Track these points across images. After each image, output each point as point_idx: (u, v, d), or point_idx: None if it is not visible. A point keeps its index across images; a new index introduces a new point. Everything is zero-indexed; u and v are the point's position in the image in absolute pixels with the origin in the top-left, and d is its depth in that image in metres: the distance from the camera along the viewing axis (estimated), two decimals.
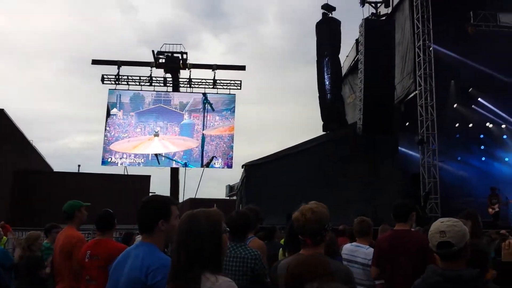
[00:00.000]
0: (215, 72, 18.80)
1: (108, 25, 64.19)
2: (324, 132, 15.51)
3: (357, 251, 4.26)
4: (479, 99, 17.12)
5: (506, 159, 18.99)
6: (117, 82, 18.53)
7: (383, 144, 14.27)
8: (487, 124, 18.63)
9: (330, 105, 14.63)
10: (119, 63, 18.51)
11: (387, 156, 14.38)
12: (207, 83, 18.97)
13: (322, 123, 15.28)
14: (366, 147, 14.36)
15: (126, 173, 19.10)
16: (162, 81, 18.81)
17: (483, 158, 19.02)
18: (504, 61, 14.50)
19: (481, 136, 19.00)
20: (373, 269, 3.95)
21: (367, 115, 13.44)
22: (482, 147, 19.13)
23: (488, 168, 18.45)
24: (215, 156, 18.25)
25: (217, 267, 1.66)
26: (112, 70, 18.67)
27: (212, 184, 46.34)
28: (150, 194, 16.97)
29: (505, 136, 18.97)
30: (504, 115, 17.88)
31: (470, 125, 18.17)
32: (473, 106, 17.51)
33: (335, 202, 13.13)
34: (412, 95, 13.81)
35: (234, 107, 18.76)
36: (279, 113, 67.87)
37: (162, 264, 1.91)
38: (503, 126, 18.75)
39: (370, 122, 13.45)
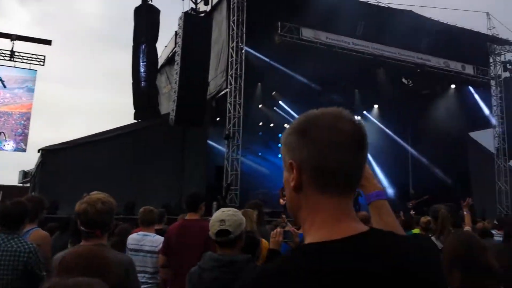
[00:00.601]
0: (13, 43, 16.31)
1: None
2: (136, 121, 15.12)
3: (144, 240, 4.31)
4: (280, 101, 19.16)
5: None
6: None
7: (194, 137, 14.69)
8: (285, 124, 21.03)
9: (144, 94, 14.34)
10: None
11: (196, 149, 14.86)
12: (3, 55, 16.35)
13: (134, 111, 14.87)
14: (176, 138, 14.56)
15: None
16: None
17: (280, 155, 21.36)
18: (303, 69, 16.56)
19: (279, 135, 21.23)
20: (161, 257, 4.05)
21: (181, 107, 13.61)
22: (280, 145, 21.46)
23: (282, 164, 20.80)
24: (2, 132, 15.73)
25: None
26: None
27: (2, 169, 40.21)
28: None
29: None
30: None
31: (272, 124, 20.20)
32: (275, 108, 19.51)
33: (141, 192, 13.07)
34: (223, 92, 14.58)
35: (33, 84, 16.59)
36: (89, 97, 63.06)
37: None
38: None
39: (182, 114, 13.65)
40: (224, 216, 2.56)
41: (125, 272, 2.37)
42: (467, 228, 5.68)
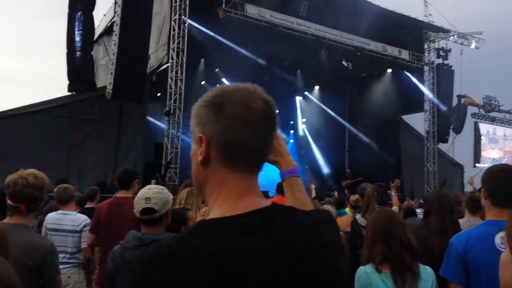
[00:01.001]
0: None
1: None
2: (70, 93, 14.29)
3: (64, 219, 4.12)
4: (223, 79, 18.96)
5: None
6: None
7: (132, 112, 14.17)
8: None
9: (79, 65, 13.49)
10: None
11: (134, 124, 14.37)
12: None
13: (68, 82, 14.01)
14: (114, 113, 13.98)
15: None
16: None
17: None
18: (247, 47, 16.44)
19: None
20: (89, 236, 3.90)
21: (118, 80, 13.02)
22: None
23: None
24: None
25: None
26: None
27: None
28: None
29: None
30: None
31: None
32: (218, 85, 19.28)
33: (74, 167, 12.52)
34: (164, 67, 14.15)
35: None
36: (20, 65, 58.87)
37: None
38: None
39: (120, 87, 13.07)
40: (150, 193, 2.51)
41: (42, 258, 2.23)
42: (394, 207, 5.99)
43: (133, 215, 2.52)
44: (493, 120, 23.76)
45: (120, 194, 3.93)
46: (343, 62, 20.43)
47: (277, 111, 1.04)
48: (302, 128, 23.46)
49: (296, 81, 21.31)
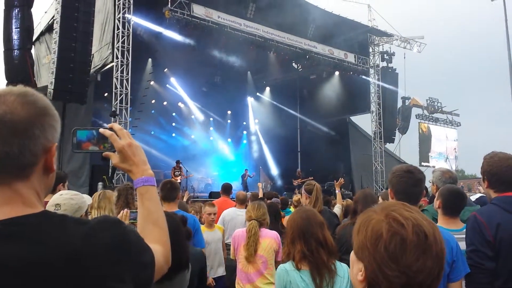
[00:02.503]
0: None
1: None
2: None
3: None
4: (171, 79, 18.80)
5: (193, 136, 21.73)
6: None
7: (76, 113, 13.77)
8: (179, 103, 20.78)
9: (17, 64, 12.97)
10: None
11: (79, 125, 13.84)
12: None
13: (6, 82, 13.44)
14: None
15: None
16: None
17: (174, 134, 21.11)
18: (196, 47, 16.37)
19: (174, 114, 21.02)
20: None
21: (60, 80, 12.60)
22: (174, 124, 21.20)
23: (176, 143, 20.59)
24: None
25: None
26: None
27: None
28: None
29: (193, 116, 21.66)
30: (192, 98, 20.40)
31: (165, 103, 19.79)
32: (167, 85, 19.10)
33: None
34: (109, 66, 13.84)
35: None
36: None
37: None
38: (192, 107, 21.37)
39: (62, 87, 12.67)
40: (61, 200, 2.43)
41: None
42: (338, 205, 6.18)
43: None
44: (436, 121, 24.85)
45: (47, 198, 3.82)
46: (293, 64, 20.77)
47: (42, 117, 0.99)
48: (254, 128, 23.62)
49: (247, 82, 21.46)
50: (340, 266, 2.44)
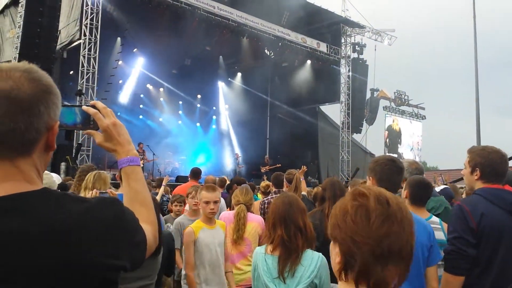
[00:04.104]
0: None
1: None
2: None
3: None
4: (140, 59, 18.41)
5: (161, 119, 21.40)
6: None
7: None
8: (148, 85, 20.39)
9: None
10: None
11: None
12: None
13: None
14: None
15: None
16: None
17: (141, 116, 20.72)
18: (166, 29, 16.06)
19: (141, 95, 20.60)
20: None
21: (24, 55, 12.14)
22: (141, 105, 20.80)
23: (143, 126, 20.22)
24: None
25: None
26: None
27: None
28: None
29: (161, 99, 21.32)
30: (161, 80, 20.05)
31: (133, 83, 19.35)
32: (136, 66, 18.68)
33: None
34: (76, 43, 13.43)
35: None
36: None
37: None
38: (161, 89, 21.01)
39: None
40: None
41: None
42: (303, 192, 6.27)
43: None
44: (402, 114, 25.48)
45: None
46: (265, 51, 20.73)
47: (45, 94, 0.99)
48: (224, 114, 23.52)
49: (219, 67, 21.27)
50: (310, 255, 2.45)
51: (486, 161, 2.45)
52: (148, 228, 1.20)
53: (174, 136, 20.84)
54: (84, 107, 1.28)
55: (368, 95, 22.39)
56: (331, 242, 1.13)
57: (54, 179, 2.52)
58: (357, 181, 5.41)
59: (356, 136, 22.09)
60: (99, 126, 1.29)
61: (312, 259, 2.42)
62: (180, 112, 22.10)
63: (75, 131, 13.15)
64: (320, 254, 2.46)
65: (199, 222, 3.64)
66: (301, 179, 7.01)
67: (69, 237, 0.93)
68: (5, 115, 0.92)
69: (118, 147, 1.31)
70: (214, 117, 23.45)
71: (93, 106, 1.29)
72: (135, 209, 1.21)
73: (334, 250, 1.11)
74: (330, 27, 19.69)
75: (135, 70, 18.76)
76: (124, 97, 19.06)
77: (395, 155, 23.60)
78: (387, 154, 21.96)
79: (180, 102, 21.80)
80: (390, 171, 2.41)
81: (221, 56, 20.67)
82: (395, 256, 1.02)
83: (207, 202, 3.58)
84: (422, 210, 2.88)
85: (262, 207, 4.88)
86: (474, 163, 2.49)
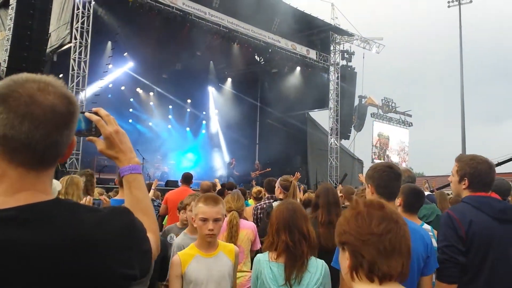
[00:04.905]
0: None
1: None
2: None
3: None
4: (130, 63, 18.35)
5: (150, 123, 21.31)
6: None
7: None
8: (137, 89, 20.33)
9: None
10: None
11: None
12: None
13: None
14: None
15: None
16: None
17: (130, 120, 20.62)
18: (157, 34, 16.06)
19: (131, 99, 20.51)
20: None
21: (13, 58, 12.05)
22: (131, 109, 20.70)
23: (132, 130, 20.10)
24: None
25: None
26: None
27: None
28: None
29: (151, 103, 21.26)
30: (151, 84, 20.01)
31: (123, 87, 19.28)
32: (127, 70, 18.62)
33: None
34: (67, 47, 13.37)
35: None
36: None
37: None
38: (151, 93, 20.96)
39: (15, 66, 12.07)
40: None
41: None
42: (298, 198, 6.34)
43: None
44: (390, 120, 25.78)
45: None
46: (256, 57, 20.84)
47: (76, 110, 1.02)
48: (214, 119, 23.53)
49: (209, 72, 21.30)
50: (315, 262, 2.48)
51: (475, 171, 2.50)
52: (151, 237, 1.21)
53: (163, 140, 20.79)
54: (87, 114, 1.28)
55: (356, 102, 22.64)
56: (340, 251, 1.31)
57: (55, 186, 2.52)
58: (349, 188, 5.49)
59: (344, 142, 22.30)
60: (102, 133, 1.30)
61: (317, 266, 2.44)
62: (170, 116, 22.05)
63: None
64: (323, 261, 2.49)
65: (193, 248, 2.67)
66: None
67: (86, 246, 0.94)
68: (53, 128, 0.96)
69: (120, 154, 1.32)
70: (204, 122, 23.42)
71: (96, 113, 1.30)
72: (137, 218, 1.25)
73: (344, 256, 1.27)
74: (320, 35, 19.91)
75: (125, 74, 18.66)
76: (113, 101, 18.95)
77: (370, 161, 24.04)
78: (384, 160, 22.20)
79: (170, 107, 21.76)
80: (388, 177, 2.46)
81: (211, 62, 20.73)
82: (396, 251, 1.21)
83: (204, 220, 2.59)
84: (414, 217, 2.97)
85: (255, 212, 4.91)
86: (463, 172, 2.54)
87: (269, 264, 2.44)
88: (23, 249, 0.88)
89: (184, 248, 2.84)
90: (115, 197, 4.86)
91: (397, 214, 1.30)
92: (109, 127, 1.30)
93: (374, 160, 24.62)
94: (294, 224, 2.49)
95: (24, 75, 0.98)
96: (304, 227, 2.50)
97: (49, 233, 0.91)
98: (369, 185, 2.54)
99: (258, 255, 2.55)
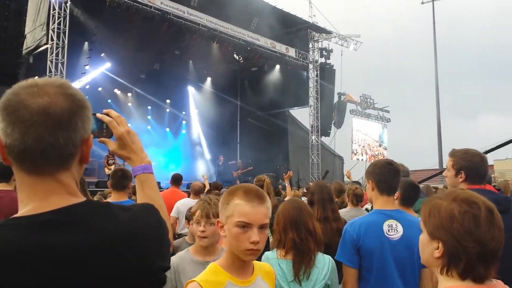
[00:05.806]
0: None
1: None
2: None
3: None
4: (107, 64, 18.09)
5: (129, 124, 21.00)
6: None
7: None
8: (115, 90, 20.05)
9: None
10: None
11: None
12: None
13: None
14: None
15: None
16: None
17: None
18: (135, 33, 15.87)
19: (109, 100, 20.22)
20: None
21: None
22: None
23: None
24: None
25: None
26: None
27: None
28: None
29: (130, 104, 20.99)
30: (129, 84, 19.75)
31: (100, 89, 18.98)
32: (104, 71, 18.34)
33: None
34: (43, 48, 13.08)
35: None
36: None
37: None
38: (129, 94, 20.70)
39: None
40: None
41: None
42: (288, 197, 6.38)
43: (14, 209, 2.30)
44: (368, 117, 26.13)
45: (0, 187, 3.63)
46: (235, 56, 20.81)
47: (78, 108, 1.00)
48: (195, 119, 23.41)
49: (188, 71, 21.18)
50: (322, 258, 2.52)
51: (470, 164, 2.58)
52: None
53: (143, 141, 20.34)
54: (98, 115, 1.30)
55: (336, 99, 22.86)
56: (427, 237, 1.29)
57: None
58: (339, 184, 5.57)
59: (325, 139, 22.50)
60: (114, 134, 1.32)
61: (324, 262, 2.50)
62: (149, 117, 21.82)
63: None
64: (330, 256, 2.55)
65: (218, 271, 1.64)
66: (287, 184, 7.16)
67: (126, 244, 0.96)
68: (45, 131, 0.93)
69: (132, 154, 1.36)
70: (184, 122, 23.28)
71: (107, 114, 1.32)
72: None
73: (431, 245, 1.26)
74: (298, 33, 20.03)
75: (102, 75, 18.38)
76: (91, 102, 18.57)
77: (363, 158, 24.42)
78: (384, 158, 22.45)
79: (149, 107, 21.53)
80: (388, 173, 2.53)
81: (190, 61, 20.62)
82: (495, 258, 1.20)
83: (244, 226, 1.58)
84: (410, 210, 3.05)
85: None
86: (458, 166, 2.62)
87: (277, 262, 2.48)
88: (62, 254, 0.88)
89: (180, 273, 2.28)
90: (111, 200, 4.80)
91: (500, 218, 1.24)
92: (120, 127, 1.34)
93: (354, 156, 24.93)
94: (301, 222, 2.54)
95: (17, 86, 0.97)
96: (310, 224, 2.55)
97: (87, 235, 0.92)
98: (369, 181, 2.61)
99: (266, 252, 2.57)
